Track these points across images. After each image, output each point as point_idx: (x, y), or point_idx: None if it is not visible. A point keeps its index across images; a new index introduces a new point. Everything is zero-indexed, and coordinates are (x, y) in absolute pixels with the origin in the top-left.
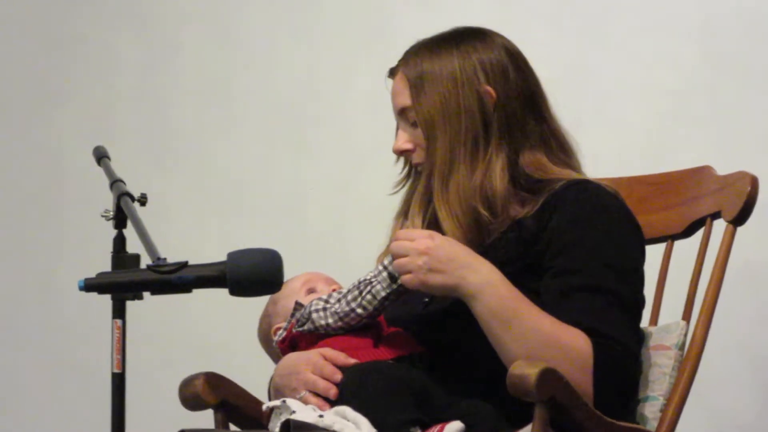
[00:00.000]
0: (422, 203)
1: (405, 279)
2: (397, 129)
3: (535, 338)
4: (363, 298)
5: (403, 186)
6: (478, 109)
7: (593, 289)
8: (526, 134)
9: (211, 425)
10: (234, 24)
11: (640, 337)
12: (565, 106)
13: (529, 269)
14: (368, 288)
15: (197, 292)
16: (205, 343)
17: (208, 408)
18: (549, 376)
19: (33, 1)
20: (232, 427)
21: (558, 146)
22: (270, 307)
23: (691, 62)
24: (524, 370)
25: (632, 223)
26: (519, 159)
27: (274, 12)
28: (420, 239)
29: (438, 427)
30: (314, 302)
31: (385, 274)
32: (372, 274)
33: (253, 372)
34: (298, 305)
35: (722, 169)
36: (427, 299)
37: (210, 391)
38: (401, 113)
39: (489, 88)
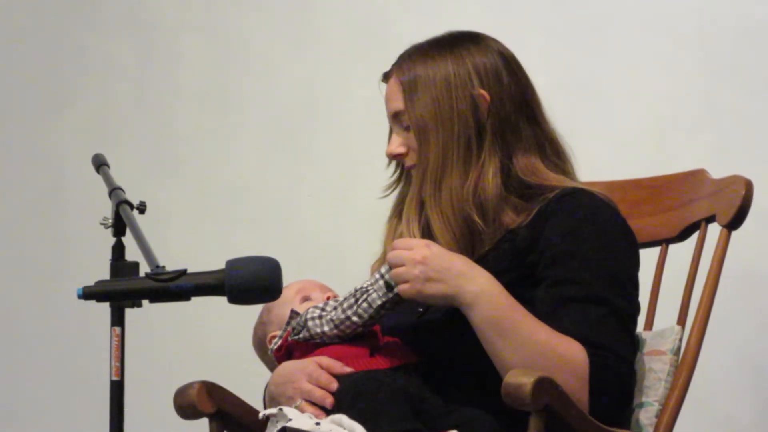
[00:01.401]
0: (416, 208)
1: (402, 289)
2: (391, 133)
3: (531, 348)
4: (359, 306)
5: (394, 189)
6: (471, 113)
7: (588, 300)
8: (520, 138)
9: None
10: (233, 32)
11: (635, 346)
12: (562, 111)
13: (523, 279)
14: (364, 296)
15: (196, 299)
16: (204, 351)
17: (203, 417)
18: (544, 384)
19: (33, 10)
20: None
21: (552, 151)
22: (264, 315)
23: (688, 67)
24: (519, 379)
25: (626, 230)
26: (513, 163)
27: (272, 20)
28: (417, 248)
29: None
30: (310, 310)
31: (381, 282)
32: (368, 283)
33: (251, 379)
34: (294, 313)
35: (719, 174)
36: (421, 309)
37: (206, 400)
38: (395, 117)
39: (483, 92)
